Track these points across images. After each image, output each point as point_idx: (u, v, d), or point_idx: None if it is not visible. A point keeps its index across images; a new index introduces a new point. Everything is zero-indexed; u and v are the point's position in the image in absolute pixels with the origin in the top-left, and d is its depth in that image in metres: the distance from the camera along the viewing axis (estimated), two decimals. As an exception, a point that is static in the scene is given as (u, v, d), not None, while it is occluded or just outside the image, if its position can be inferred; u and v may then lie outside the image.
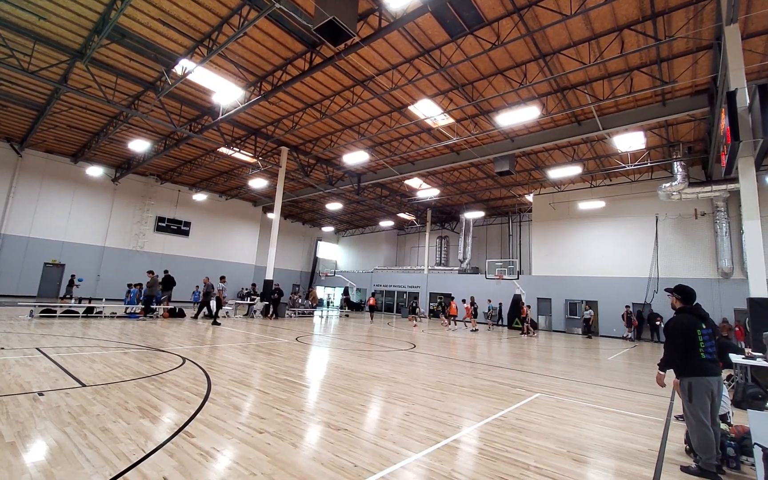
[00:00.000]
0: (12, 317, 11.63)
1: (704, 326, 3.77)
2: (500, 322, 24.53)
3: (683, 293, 3.97)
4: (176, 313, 15.57)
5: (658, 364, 3.97)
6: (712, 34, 10.29)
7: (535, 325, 19.69)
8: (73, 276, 19.30)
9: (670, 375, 3.90)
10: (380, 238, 36.80)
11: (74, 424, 3.71)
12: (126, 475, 2.84)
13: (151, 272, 14.73)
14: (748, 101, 8.01)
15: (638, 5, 9.64)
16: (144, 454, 3.18)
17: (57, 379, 5.24)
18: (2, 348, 7.05)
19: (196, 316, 15.15)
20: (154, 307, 14.41)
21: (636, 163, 17.51)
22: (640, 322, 19.17)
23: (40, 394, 4.55)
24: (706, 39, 10.44)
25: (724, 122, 8.41)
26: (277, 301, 18.82)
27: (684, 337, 3.76)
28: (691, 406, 3.68)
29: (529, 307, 19.79)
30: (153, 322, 13.32)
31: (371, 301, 24.39)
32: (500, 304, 24.67)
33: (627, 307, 19.18)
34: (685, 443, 4.10)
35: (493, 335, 17.61)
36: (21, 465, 2.88)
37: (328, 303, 38.01)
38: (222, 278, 15.63)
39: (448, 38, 11.14)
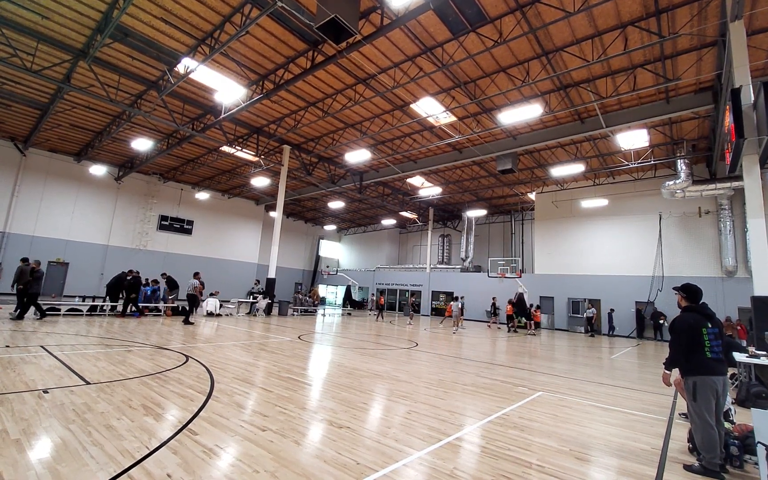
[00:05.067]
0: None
1: (710, 325, 3.75)
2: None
3: (689, 292, 3.95)
4: (180, 312, 15.65)
5: (664, 363, 3.97)
6: (716, 31, 10.21)
7: (512, 318, 19.31)
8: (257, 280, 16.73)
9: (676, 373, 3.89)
10: (382, 237, 36.80)
11: (79, 421, 3.74)
12: (130, 472, 2.86)
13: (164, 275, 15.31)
14: (752, 98, 7.96)
15: (642, 2, 9.57)
16: (148, 452, 3.20)
17: (62, 377, 5.27)
18: (7, 346, 7.10)
19: (20, 315, 10.82)
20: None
21: (639, 161, 17.41)
22: (642, 320, 19.06)
23: (45, 391, 4.58)
24: (711, 36, 10.36)
25: (728, 120, 8.35)
26: (130, 297, 13.40)
27: (689, 336, 3.74)
28: (695, 405, 3.66)
29: (512, 304, 19.43)
30: (155, 320, 13.40)
31: (381, 301, 23.73)
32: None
33: None
34: (689, 442, 4.08)
35: (490, 333, 17.58)
36: (26, 462, 2.90)
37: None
38: (195, 274, 14.30)
39: (450, 36, 11.10)
